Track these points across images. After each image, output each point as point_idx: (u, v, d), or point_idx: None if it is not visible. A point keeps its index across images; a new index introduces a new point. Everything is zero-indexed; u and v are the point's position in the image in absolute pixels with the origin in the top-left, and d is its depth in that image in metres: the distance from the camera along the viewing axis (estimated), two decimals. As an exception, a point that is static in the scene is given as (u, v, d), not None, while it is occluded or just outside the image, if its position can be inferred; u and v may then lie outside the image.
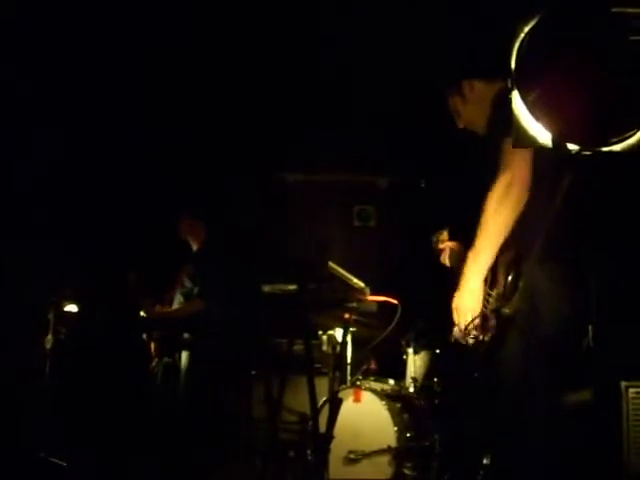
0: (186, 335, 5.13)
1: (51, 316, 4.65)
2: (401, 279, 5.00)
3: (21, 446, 4.39)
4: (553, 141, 2.09)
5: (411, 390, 4.61)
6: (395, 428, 4.06)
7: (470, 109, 3.07)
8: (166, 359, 5.21)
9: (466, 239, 3.08)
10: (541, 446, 2.64)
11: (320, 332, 4.57)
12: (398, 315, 3.57)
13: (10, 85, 4.94)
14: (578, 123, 2.08)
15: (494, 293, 2.80)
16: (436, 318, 4.67)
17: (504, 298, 2.72)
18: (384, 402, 4.16)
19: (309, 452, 4.12)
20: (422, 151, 5.52)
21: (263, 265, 5.26)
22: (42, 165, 5.38)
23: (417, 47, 4.64)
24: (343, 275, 3.56)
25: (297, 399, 4.17)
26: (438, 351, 4.71)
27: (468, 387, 4.27)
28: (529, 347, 2.67)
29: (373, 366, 4.80)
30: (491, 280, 2.83)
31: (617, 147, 2.06)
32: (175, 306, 5.35)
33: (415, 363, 4.67)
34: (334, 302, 3.53)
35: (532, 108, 2.11)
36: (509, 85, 2.16)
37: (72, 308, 5.22)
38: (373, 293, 3.65)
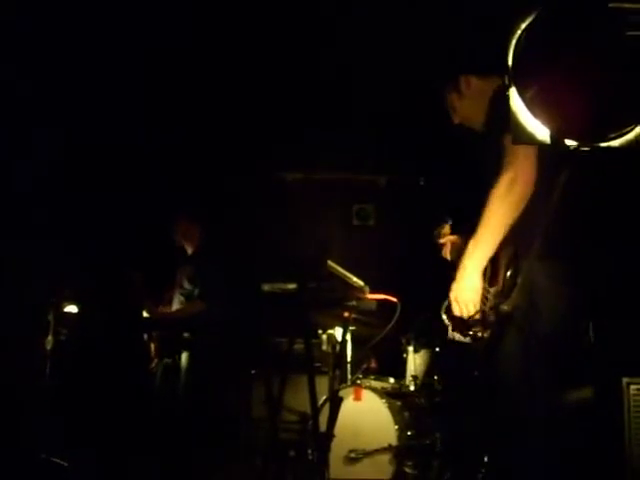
0: (186, 335, 5.13)
1: (51, 317, 4.65)
2: (400, 277, 5.00)
3: (22, 446, 4.39)
4: (551, 137, 2.09)
5: (411, 388, 4.60)
6: (396, 426, 4.06)
7: (466, 105, 3.07)
8: (166, 360, 5.21)
9: (467, 233, 3.08)
10: (541, 444, 2.63)
11: (320, 331, 4.57)
12: (398, 313, 3.57)
13: (10, 85, 4.94)
14: (576, 119, 2.08)
15: (493, 290, 2.80)
16: (436, 316, 4.68)
17: (502, 295, 2.71)
18: (384, 400, 4.16)
19: (309, 451, 4.11)
20: (421, 150, 5.52)
21: (263, 264, 5.26)
22: (42, 165, 5.38)
23: (416, 46, 4.64)
24: (342, 274, 3.57)
25: (297, 398, 4.17)
26: (438, 349, 4.70)
27: (468, 385, 4.27)
28: (528, 345, 2.67)
29: (373, 364, 4.81)
30: (490, 277, 2.82)
31: (615, 143, 2.06)
32: (175, 307, 5.36)
33: (415, 361, 4.67)
34: (334, 301, 3.53)
35: (530, 105, 2.11)
36: (506, 82, 2.16)
37: (72, 309, 5.22)
38: (372, 292, 3.65)
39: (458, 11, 4.25)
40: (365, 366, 4.65)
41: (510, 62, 2.13)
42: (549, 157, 2.57)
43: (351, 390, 4.24)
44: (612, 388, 3.27)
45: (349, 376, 4.53)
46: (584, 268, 2.74)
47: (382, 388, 4.43)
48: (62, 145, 5.47)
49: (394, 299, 3.61)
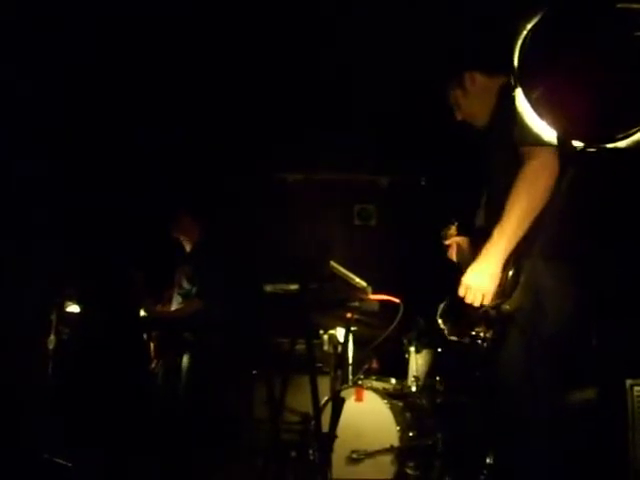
0: (187, 335, 5.13)
1: (54, 317, 4.65)
2: (402, 278, 4.99)
3: (24, 446, 4.38)
4: (558, 138, 2.08)
5: (413, 389, 4.59)
6: (397, 427, 4.05)
7: (470, 102, 3.06)
8: (167, 360, 5.21)
9: (472, 235, 3.08)
10: (544, 445, 2.63)
11: (321, 331, 4.56)
12: (400, 314, 3.55)
13: (10, 85, 4.94)
14: (583, 120, 2.07)
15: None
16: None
17: (503, 294, 2.70)
18: (386, 401, 4.15)
19: (311, 452, 4.11)
20: (422, 149, 5.51)
21: (264, 265, 5.25)
22: (42, 165, 5.38)
23: (417, 45, 4.63)
24: (345, 274, 3.55)
25: (298, 399, 4.16)
26: (440, 350, 4.69)
27: (470, 386, 4.26)
28: (532, 346, 2.66)
29: (375, 365, 4.80)
30: None
31: (622, 143, 2.05)
32: (174, 306, 5.36)
33: (417, 362, 4.66)
34: (336, 302, 3.51)
35: (536, 106, 2.10)
36: (512, 83, 2.15)
37: (74, 309, 5.22)
38: (374, 292, 3.64)
39: (461, 9, 4.24)
40: (366, 367, 4.64)
41: (516, 63, 2.13)
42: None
43: (353, 391, 4.23)
44: (615, 389, 3.27)
45: (350, 377, 4.52)
46: (590, 269, 2.74)
47: (384, 389, 4.43)
48: (62, 145, 5.47)
49: (396, 300, 3.59)
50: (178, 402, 5.03)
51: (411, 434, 4.12)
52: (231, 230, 5.71)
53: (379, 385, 4.48)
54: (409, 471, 4.04)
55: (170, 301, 5.42)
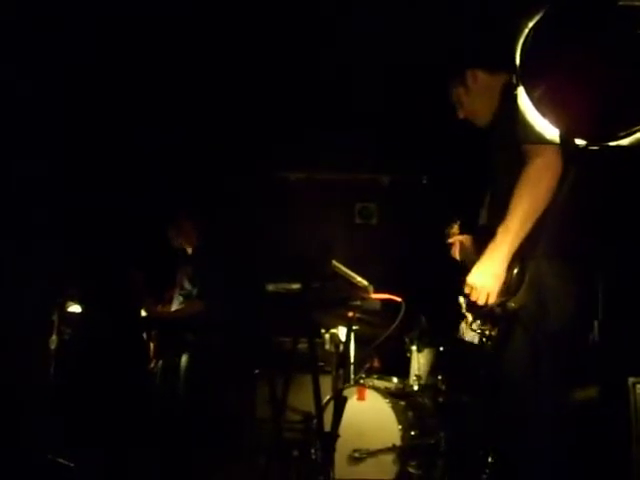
0: (187, 335, 5.13)
1: (55, 317, 4.65)
2: (404, 276, 4.99)
3: (26, 446, 4.39)
4: (560, 137, 2.08)
5: (415, 388, 4.59)
6: (399, 426, 4.04)
7: (473, 100, 3.06)
8: (166, 360, 5.21)
9: (474, 233, 3.08)
10: (547, 443, 2.63)
11: (323, 330, 4.56)
12: (402, 313, 3.55)
13: (10, 85, 4.93)
14: (585, 118, 2.07)
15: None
16: (439, 315, 4.68)
17: (508, 292, 2.71)
18: (388, 400, 4.15)
19: (313, 451, 4.11)
20: (424, 148, 5.51)
21: (266, 264, 5.25)
22: (42, 165, 5.37)
23: (418, 44, 4.63)
24: (347, 273, 3.55)
25: (300, 398, 4.16)
26: (442, 348, 4.69)
27: (472, 385, 4.26)
28: (536, 344, 2.67)
29: (376, 364, 4.80)
30: None
31: (625, 141, 2.05)
32: (175, 307, 5.37)
33: (419, 361, 4.65)
34: (338, 301, 3.51)
35: (538, 104, 2.10)
36: (514, 81, 2.15)
37: (76, 309, 5.22)
38: (376, 291, 3.63)
39: (463, 7, 4.24)
40: (368, 366, 4.64)
41: (518, 61, 2.13)
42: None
43: (354, 390, 4.23)
44: (618, 387, 3.27)
45: (352, 376, 4.52)
46: (592, 268, 2.74)
47: (385, 388, 4.42)
48: (62, 145, 5.46)
49: (398, 299, 3.59)
50: (177, 402, 5.03)
51: (413, 433, 4.11)
52: (232, 230, 5.71)
53: (381, 384, 4.47)
54: (411, 470, 4.04)
55: (171, 302, 5.43)
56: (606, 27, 2.03)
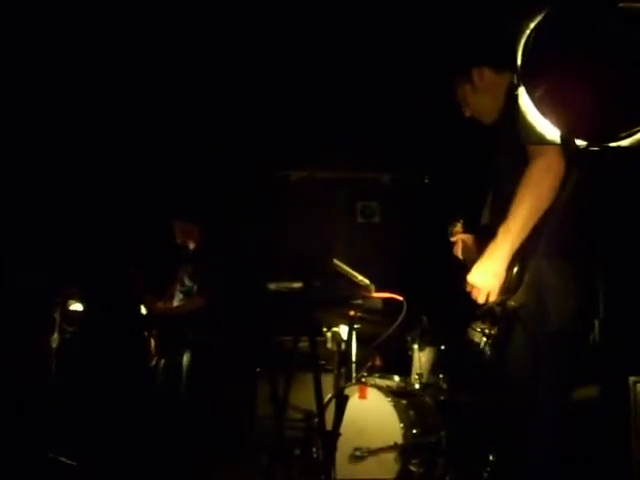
0: (188, 334, 5.14)
1: (57, 315, 4.66)
2: (405, 275, 5.00)
3: (27, 445, 4.40)
4: (561, 137, 2.09)
5: (417, 387, 4.58)
6: (401, 425, 4.04)
7: (479, 98, 3.05)
8: (168, 358, 5.22)
9: (477, 232, 3.08)
10: (548, 442, 2.64)
11: (324, 329, 4.57)
12: (404, 312, 3.56)
13: (10, 85, 4.95)
14: (586, 118, 2.08)
15: None
16: (441, 314, 4.68)
17: (508, 291, 2.72)
18: (390, 399, 4.15)
19: (314, 450, 4.11)
20: (426, 146, 5.51)
21: (266, 263, 5.26)
22: (42, 164, 5.39)
23: (421, 42, 4.63)
24: (348, 272, 3.56)
25: (302, 396, 4.16)
26: (443, 347, 4.69)
27: (474, 383, 4.26)
28: (536, 343, 2.67)
29: (378, 363, 4.80)
30: None
31: (625, 142, 2.05)
32: (175, 303, 5.38)
33: (420, 359, 4.65)
34: (340, 299, 3.52)
35: (539, 104, 2.11)
36: (516, 81, 2.16)
37: (78, 307, 5.23)
38: (378, 290, 3.64)
39: (465, 6, 4.24)
40: (370, 364, 4.64)
41: (519, 61, 2.13)
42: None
43: (356, 388, 4.23)
44: (618, 386, 3.27)
45: (354, 374, 4.53)
46: (592, 267, 2.75)
47: (387, 386, 4.42)
48: (62, 144, 5.48)
49: (400, 297, 3.60)
50: (178, 400, 5.04)
51: (415, 431, 4.11)
52: (232, 229, 5.72)
53: (382, 383, 4.47)
54: (413, 468, 4.04)
55: (172, 298, 5.45)
56: (607, 28, 2.04)
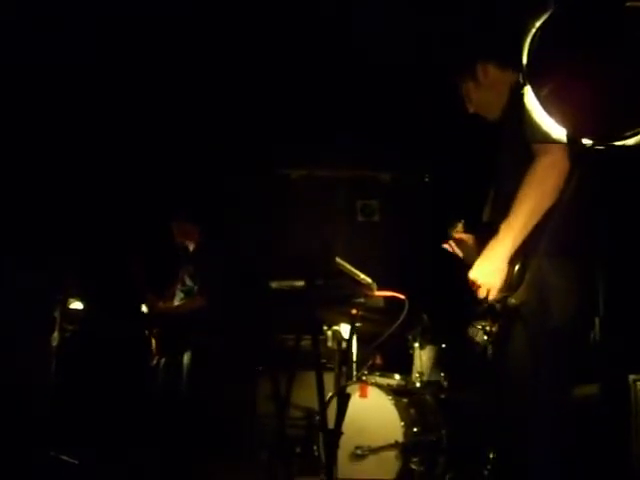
0: (189, 333, 5.14)
1: (57, 314, 4.66)
2: (406, 273, 5.00)
3: (28, 445, 4.39)
4: (567, 136, 2.10)
5: (417, 385, 4.59)
6: (402, 423, 4.06)
7: (483, 94, 3.04)
8: (169, 357, 5.22)
9: (477, 231, 3.09)
10: (548, 440, 2.64)
11: (325, 327, 4.57)
12: (406, 310, 3.56)
13: (10, 85, 4.94)
14: (591, 117, 2.08)
15: None
16: (442, 312, 4.69)
17: (509, 288, 2.73)
18: (390, 397, 4.16)
19: (316, 448, 4.12)
20: (426, 145, 5.52)
21: (267, 262, 5.27)
22: (42, 164, 5.39)
23: (422, 39, 4.64)
24: (350, 271, 3.56)
25: (303, 395, 4.17)
26: (444, 346, 4.70)
27: (474, 381, 4.27)
28: (536, 341, 2.68)
29: (379, 361, 4.80)
30: None
31: (630, 141, 2.06)
32: (176, 303, 5.38)
33: (421, 358, 4.65)
34: (342, 298, 3.52)
35: (545, 103, 2.11)
36: (521, 80, 2.17)
37: (78, 305, 5.23)
38: (379, 288, 3.65)
39: (466, 6, 4.25)
40: (370, 363, 4.65)
41: (525, 60, 2.14)
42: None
43: (357, 387, 4.24)
44: (618, 385, 3.28)
45: (355, 373, 4.53)
46: (593, 265, 2.75)
47: (388, 385, 4.43)
48: (63, 143, 5.47)
49: (402, 296, 3.60)
50: (179, 399, 5.05)
51: (415, 430, 4.13)
52: (232, 229, 5.72)
53: (383, 381, 4.49)
54: (413, 467, 4.05)
55: (173, 298, 5.45)
56: (613, 27, 2.05)
